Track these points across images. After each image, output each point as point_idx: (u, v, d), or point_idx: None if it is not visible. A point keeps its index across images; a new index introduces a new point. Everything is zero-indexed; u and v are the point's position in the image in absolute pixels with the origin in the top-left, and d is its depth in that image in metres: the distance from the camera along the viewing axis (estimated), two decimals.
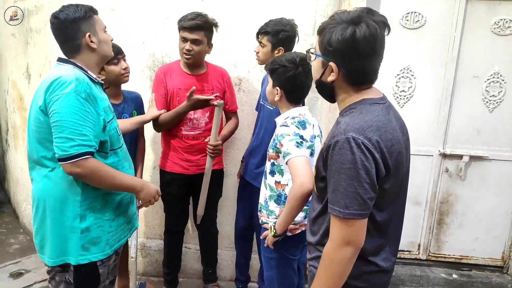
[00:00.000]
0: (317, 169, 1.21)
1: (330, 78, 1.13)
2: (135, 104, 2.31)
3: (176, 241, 2.56)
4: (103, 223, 1.54)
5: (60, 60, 1.54)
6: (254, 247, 2.68)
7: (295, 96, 1.72)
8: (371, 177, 1.04)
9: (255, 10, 2.46)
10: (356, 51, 1.06)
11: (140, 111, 2.34)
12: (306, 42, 2.48)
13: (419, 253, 2.97)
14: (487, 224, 2.88)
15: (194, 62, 2.23)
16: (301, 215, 1.68)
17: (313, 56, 1.20)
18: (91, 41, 1.50)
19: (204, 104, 2.15)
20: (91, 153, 1.40)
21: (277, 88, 1.69)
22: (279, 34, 2.11)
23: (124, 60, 2.12)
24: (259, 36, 2.20)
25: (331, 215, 1.10)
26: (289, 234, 1.69)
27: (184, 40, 2.15)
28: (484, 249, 2.93)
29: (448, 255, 2.96)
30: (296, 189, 1.48)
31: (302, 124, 1.63)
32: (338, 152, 1.05)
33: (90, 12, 1.51)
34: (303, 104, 1.80)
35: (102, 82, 1.61)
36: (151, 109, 2.23)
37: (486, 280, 2.85)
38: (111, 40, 1.62)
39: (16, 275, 2.76)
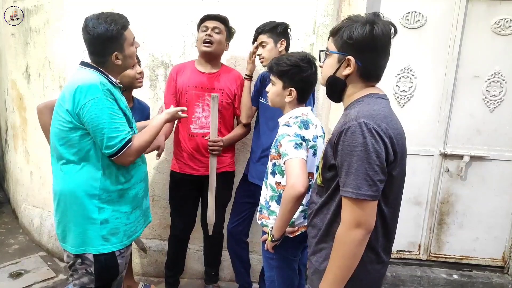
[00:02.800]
0: (325, 159, 1.24)
1: (346, 72, 1.21)
2: (141, 115, 2.31)
3: (181, 246, 2.53)
4: (120, 215, 1.65)
5: (82, 64, 1.62)
6: (255, 248, 2.68)
7: (305, 96, 1.71)
8: (381, 160, 1.09)
9: (255, 9, 2.46)
10: (373, 45, 1.17)
11: None
12: (306, 42, 2.48)
13: (419, 253, 2.97)
14: (488, 224, 2.88)
15: (214, 53, 2.21)
16: (300, 217, 1.68)
17: (323, 56, 1.30)
18: (117, 59, 1.60)
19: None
20: (131, 139, 1.58)
21: (292, 89, 1.65)
22: (276, 27, 2.15)
23: (139, 65, 2.19)
24: (258, 38, 2.20)
25: (343, 198, 1.14)
26: (289, 236, 1.69)
27: (205, 29, 2.18)
28: (485, 249, 2.92)
29: (449, 255, 2.96)
30: (288, 191, 1.48)
31: (305, 124, 1.61)
32: (350, 137, 1.11)
33: (121, 30, 1.58)
34: (306, 104, 1.78)
35: (121, 85, 1.72)
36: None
37: (486, 280, 2.84)
38: (137, 48, 1.71)
39: (16, 275, 2.76)
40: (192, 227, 2.52)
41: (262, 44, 2.18)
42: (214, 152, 2.18)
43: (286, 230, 1.65)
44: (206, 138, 2.20)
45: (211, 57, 2.24)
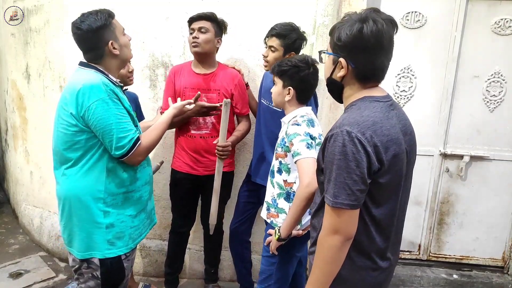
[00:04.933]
0: (318, 162, 1.25)
1: (340, 74, 1.18)
2: (134, 105, 2.33)
3: (180, 242, 2.54)
4: (125, 218, 1.63)
5: (81, 64, 1.60)
6: (256, 247, 2.68)
7: (305, 96, 1.76)
8: (361, 170, 1.07)
9: (255, 9, 2.46)
10: (364, 45, 1.11)
11: (138, 113, 2.38)
12: (306, 42, 2.47)
13: (419, 253, 2.97)
14: (488, 224, 2.88)
15: (202, 53, 2.20)
16: (306, 214, 1.69)
17: (324, 56, 1.26)
18: (114, 48, 1.57)
19: (208, 111, 2.17)
20: (139, 138, 1.57)
21: (290, 88, 1.71)
22: (295, 41, 2.08)
23: (130, 63, 2.18)
24: (269, 39, 2.12)
25: (325, 203, 1.14)
26: (297, 236, 1.71)
27: (192, 31, 2.19)
28: (485, 249, 2.92)
29: (449, 255, 2.96)
30: (303, 190, 1.53)
31: (311, 122, 1.67)
32: (332, 144, 1.10)
33: (109, 18, 1.56)
34: (307, 105, 1.82)
35: (122, 84, 1.69)
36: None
37: (486, 280, 2.84)
38: (129, 40, 1.68)
39: (16, 275, 2.76)
40: (192, 223, 2.53)
41: (271, 48, 2.10)
42: (222, 157, 2.19)
43: (293, 232, 1.68)
44: (215, 142, 2.19)
45: (203, 57, 2.24)
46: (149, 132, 1.66)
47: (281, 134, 1.75)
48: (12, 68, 3.37)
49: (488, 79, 2.69)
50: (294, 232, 1.69)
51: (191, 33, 2.20)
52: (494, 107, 2.73)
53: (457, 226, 2.90)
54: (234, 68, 2.40)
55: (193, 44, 2.18)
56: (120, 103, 1.54)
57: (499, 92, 2.71)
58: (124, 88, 2.16)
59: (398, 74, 2.70)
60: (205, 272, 2.67)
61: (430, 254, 2.96)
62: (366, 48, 1.12)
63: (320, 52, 1.29)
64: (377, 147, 1.08)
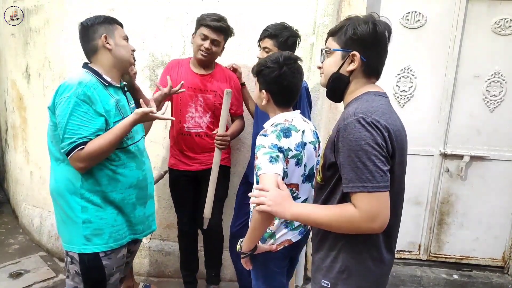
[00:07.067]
0: (325, 157, 1.24)
1: (350, 67, 1.23)
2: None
3: (190, 243, 2.53)
4: (106, 216, 1.61)
5: (82, 65, 1.67)
6: None
7: (282, 99, 1.58)
8: (384, 152, 1.09)
9: (255, 9, 2.46)
10: (377, 41, 1.21)
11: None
12: (306, 42, 2.48)
13: (419, 253, 2.97)
14: (488, 224, 2.88)
15: (208, 61, 2.24)
16: (281, 228, 1.60)
17: (324, 55, 1.30)
18: (107, 42, 1.61)
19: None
20: (82, 144, 1.50)
21: (264, 91, 1.56)
22: (288, 39, 2.06)
23: (134, 65, 2.18)
24: (262, 41, 2.11)
25: (355, 194, 1.09)
26: (271, 250, 1.61)
27: (205, 38, 2.16)
28: (485, 249, 2.92)
29: (449, 255, 2.96)
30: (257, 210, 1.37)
31: (286, 132, 1.48)
32: (351, 132, 1.10)
33: (111, 21, 1.65)
34: (295, 108, 1.68)
35: (119, 85, 1.70)
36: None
37: (486, 280, 2.84)
38: (133, 51, 1.72)
39: (16, 275, 2.76)
40: (198, 221, 2.48)
41: (265, 50, 2.09)
42: (221, 147, 2.18)
43: (264, 247, 1.57)
44: (214, 132, 2.19)
45: (206, 63, 2.26)
46: (98, 138, 1.53)
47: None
48: (12, 68, 3.37)
49: (488, 79, 2.69)
50: (266, 247, 1.58)
51: (202, 39, 2.16)
52: (494, 107, 2.73)
53: (457, 226, 2.90)
54: (232, 66, 2.39)
55: (203, 53, 2.17)
56: (88, 105, 1.50)
57: (499, 92, 2.71)
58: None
59: (398, 74, 2.70)
60: (207, 274, 2.64)
61: (430, 254, 2.96)
62: (378, 44, 1.21)
63: (323, 50, 1.30)
64: (390, 134, 1.12)
